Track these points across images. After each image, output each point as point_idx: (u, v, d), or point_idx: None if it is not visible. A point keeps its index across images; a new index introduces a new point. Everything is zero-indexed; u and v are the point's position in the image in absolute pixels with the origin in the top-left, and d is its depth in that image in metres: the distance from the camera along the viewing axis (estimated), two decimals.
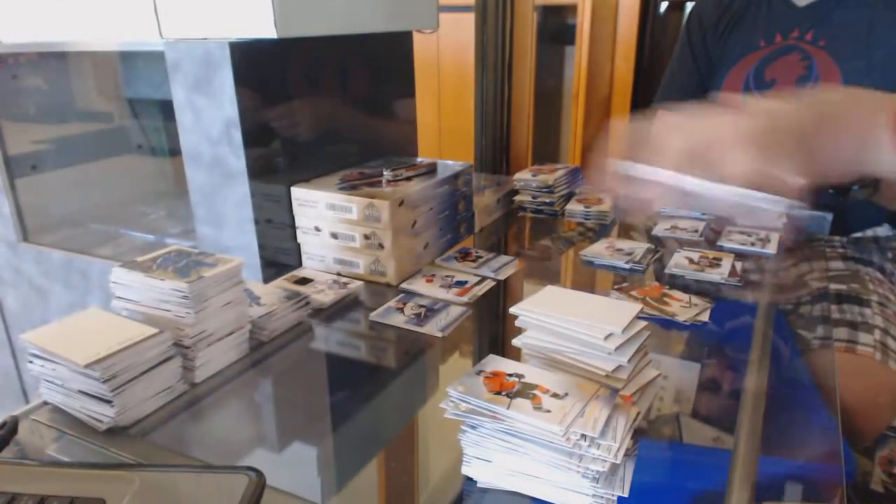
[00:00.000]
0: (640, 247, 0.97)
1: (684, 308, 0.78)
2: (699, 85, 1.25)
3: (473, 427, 0.49)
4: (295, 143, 0.99)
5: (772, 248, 0.97)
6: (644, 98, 2.28)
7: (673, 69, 1.31)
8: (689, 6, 2.39)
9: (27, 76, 1.35)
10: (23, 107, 1.37)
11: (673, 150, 0.54)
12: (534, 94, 2.06)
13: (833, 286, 0.90)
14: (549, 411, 0.46)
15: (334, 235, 0.89)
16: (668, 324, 0.76)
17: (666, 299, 0.80)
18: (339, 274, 0.91)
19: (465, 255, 0.95)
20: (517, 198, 1.20)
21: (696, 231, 1.05)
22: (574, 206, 1.15)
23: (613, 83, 2.34)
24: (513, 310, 0.55)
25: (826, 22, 1.09)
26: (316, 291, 0.83)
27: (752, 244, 0.98)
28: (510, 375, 0.51)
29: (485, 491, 0.50)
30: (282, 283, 0.87)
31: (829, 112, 0.55)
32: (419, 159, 1.04)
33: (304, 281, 0.87)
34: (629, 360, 0.51)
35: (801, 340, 0.77)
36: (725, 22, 1.21)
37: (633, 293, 0.82)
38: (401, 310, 0.79)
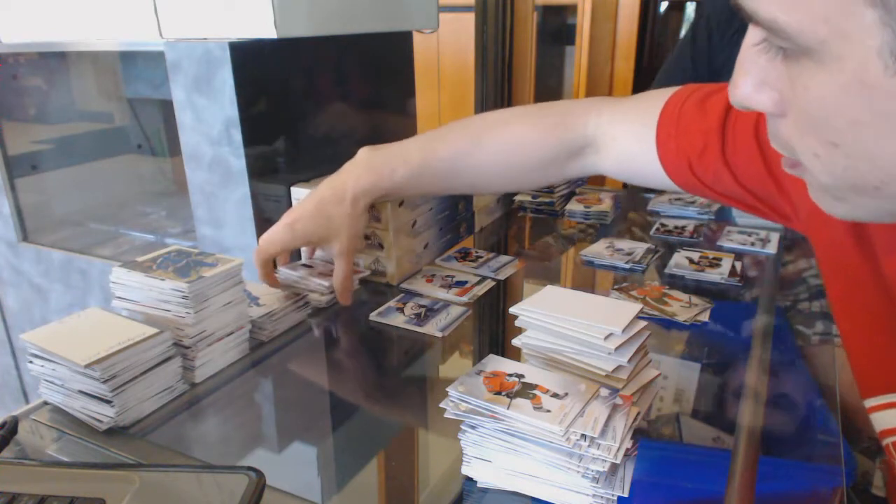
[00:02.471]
0: (640, 247, 0.97)
1: (684, 308, 0.78)
2: None
3: (473, 427, 0.49)
4: (295, 143, 0.99)
5: (772, 248, 0.97)
6: None
7: (669, 70, 1.29)
8: (690, 6, 2.39)
9: (27, 76, 1.35)
10: (23, 107, 1.37)
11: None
12: (534, 94, 2.06)
13: None
14: (549, 411, 0.46)
15: None
16: (668, 324, 0.75)
17: (666, 299, 0.80)
18: None
19: (465, 255, 0.95)
20: (517, 198, 1.20)
21: (696, 231, 1.05)
22: (574, 206, 1.15)
23: (613, 83, 2.34)
24: (513, 310, 0.55)
25: None
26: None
27: (752, 244, 0.98)
28: (510, 375, 0.51)
29: (485, 491, 0.50)
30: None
31: None
32: None
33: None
34: (629, 360, 0.51)
35: (801, 337, 0.77)
36: (738, 24, 1.20)
37: (633, 293, 0.82)
38: (401, 310, 0.79)
